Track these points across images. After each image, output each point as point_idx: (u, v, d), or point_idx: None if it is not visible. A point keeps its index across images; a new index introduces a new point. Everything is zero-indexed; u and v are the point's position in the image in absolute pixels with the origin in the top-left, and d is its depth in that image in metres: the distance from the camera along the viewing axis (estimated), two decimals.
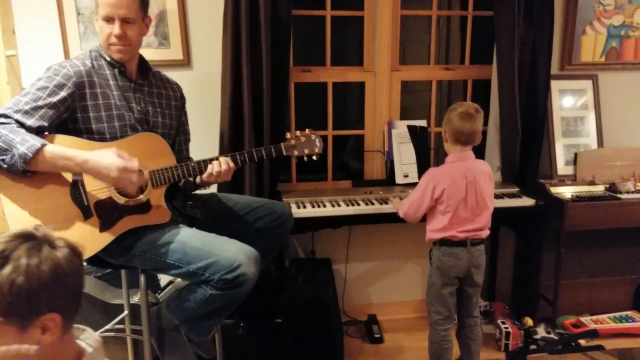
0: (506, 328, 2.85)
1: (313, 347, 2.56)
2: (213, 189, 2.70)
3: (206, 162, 2.03)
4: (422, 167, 2.91)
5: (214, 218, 2.24)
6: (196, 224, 2.18)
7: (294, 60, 2.97)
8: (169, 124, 2.17)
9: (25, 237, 1.07)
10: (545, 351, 2.75)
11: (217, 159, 2.04)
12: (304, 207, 2.72)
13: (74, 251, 1.12)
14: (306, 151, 2.18)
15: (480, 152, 3.11)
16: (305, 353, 2.57)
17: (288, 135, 2.18)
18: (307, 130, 2.20)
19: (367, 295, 3.29)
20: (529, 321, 2.98)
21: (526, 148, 3.02)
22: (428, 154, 3.06)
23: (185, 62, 2.79)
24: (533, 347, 2.83)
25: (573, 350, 2.77)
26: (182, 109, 2.29)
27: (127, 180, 1.80)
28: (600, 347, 2.77)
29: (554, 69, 3.10)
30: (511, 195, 2.90)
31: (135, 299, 2.62)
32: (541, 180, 3.02)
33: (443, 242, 2.36)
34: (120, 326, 2.44)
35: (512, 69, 2.89)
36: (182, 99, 2.29)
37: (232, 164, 2.06)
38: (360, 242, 3.18)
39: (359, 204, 2.74)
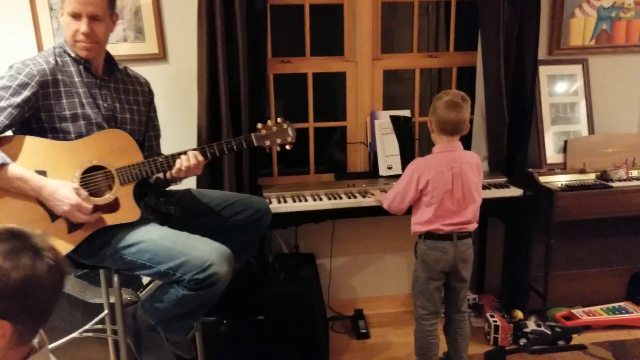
0: (495, 322, 2.79)
1: (296, 344, 2.51)
2: (190, 184, 2.65)
3: (174, 157, 1.98)
4: (407, 159, 2.83)
5: (189, 214, 2.19)
6: (170, 220, 2.13)
7: (276, 52, 2.91)
8: (137, 120, 2.12)
9: (15, 236, 1.04)
10: (525, 351, 2.68)
11: (185, 153, 1.98)
12: (285, 201, 2.66)
13: (58, 266, 1.07)
14: (278, 141, 2.12)
15: (466, 141, 3.03)
16: (288, 350, 2.52)
17: (259, 125, 2.12)
18: (279, 119, 2.14)
19: (353, 290, 3.23)
20: (518, 314, 2.92)
21: (514, 136, 2.95)
22: (412, 144, 2.99)
23: (161, 56, 2.73)
24: (523, 340, 2.77)
25: (553, 350, 2.70)
26: (151, 104, 2.22)
27: (75, 218, 1.78)
28: (582, 347, 2.71)
29: (542, 53, 3.02)
30: (499, 186, 2.83)
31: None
32: (530, 170, 2.93)
33: (428, 236, 2.30)
34: (100, 326, 2.39)
35: (497, 55, 2.81)
36: (151, 94, 2.23)
37: (200, 158, 2.00)
38: (345, 236, 3.12)
39: (341, 198, 2.68)
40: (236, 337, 2.63)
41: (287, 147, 2.15)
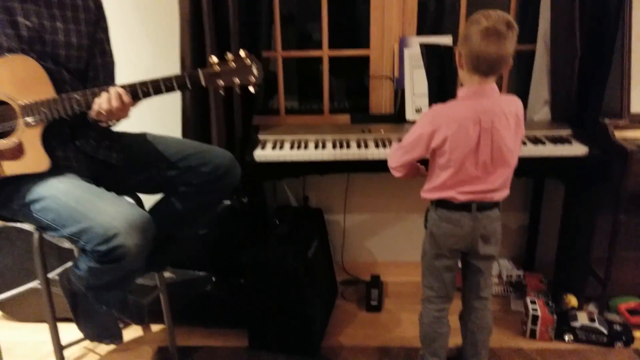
0: (534, 310, 2.23)
1: (278, 316, 2.14)
2: (173, 122, 2.28)
3: (95, 94, 1.58)
4: (441, 100, 2.23)
5: (135, 164, 1.82)
6: (111, 171, 1.78)
7: None
8: (76, 44, 1.71)
9: None
10: None
11: (107, 90, 1.58)
12: (281, 147, 2.21)
13: None
14: (237, 81, 1.65)
15: (524, 81, 2.39)
16: (268, 321, 2.17)
17: (213, 59, 1.64)
18: (242, 53, 1.65)
19: (371, 252, 2.77)
20: (572, 300, 2.33)
21: (586, 75, 2.24)
22: (453, 82, 2.36)
23: None
24: (569, 336, 2.21)
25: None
26: (98, 24, 1.80)
27: None
28: None
29: None
30: (557, 140, 2.18)
31: None
32: (605, 120, 2.23)
33: (441, 204, 1.77)
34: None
35: None
36: (99, 10, 1.80)
37: (127, 98, 1.58)
38: (363, 190, 2.64)
39: (349, 147, 2.18)
40: (219, 299, 2.31)
41: (251, 88, 1.67)
